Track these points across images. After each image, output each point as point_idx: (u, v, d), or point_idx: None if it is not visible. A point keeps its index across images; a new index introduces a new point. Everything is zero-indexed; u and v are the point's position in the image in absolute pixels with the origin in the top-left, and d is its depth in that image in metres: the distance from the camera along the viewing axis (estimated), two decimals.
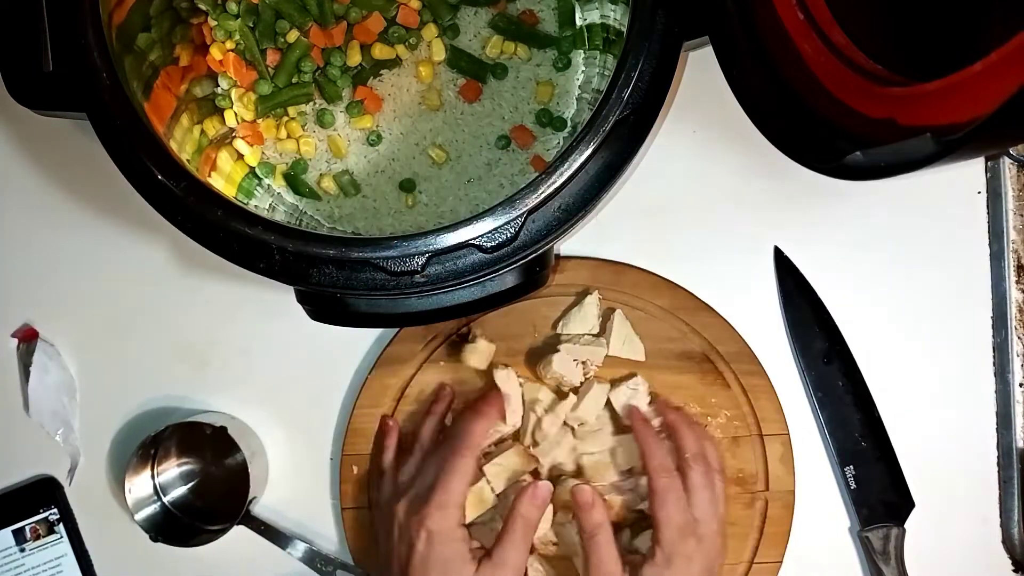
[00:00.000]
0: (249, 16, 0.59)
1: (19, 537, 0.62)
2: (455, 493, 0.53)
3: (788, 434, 0.60)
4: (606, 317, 0.61)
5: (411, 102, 0.61)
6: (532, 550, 0.56)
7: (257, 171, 0.61)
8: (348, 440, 0.61)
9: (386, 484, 0.58)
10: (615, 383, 0.59)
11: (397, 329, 0.61)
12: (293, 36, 0.59)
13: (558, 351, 0.58)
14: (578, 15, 0.60)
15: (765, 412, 0.60)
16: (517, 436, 0.59)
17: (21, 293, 0.64)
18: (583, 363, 0.60)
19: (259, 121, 0.61)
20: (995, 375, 0.62)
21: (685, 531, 0.52)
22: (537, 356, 0.61)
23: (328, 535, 0.63)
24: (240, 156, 0.60)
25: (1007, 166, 0.62)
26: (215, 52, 0.59)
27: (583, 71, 0.61)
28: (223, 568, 0.62)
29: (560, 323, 0.61)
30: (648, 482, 0.53)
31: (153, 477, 0.60)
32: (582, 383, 0.60)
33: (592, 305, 0.60)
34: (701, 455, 0.55)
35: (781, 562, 0.60)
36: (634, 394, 0.59)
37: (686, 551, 0.52)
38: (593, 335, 0.60)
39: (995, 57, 0.31)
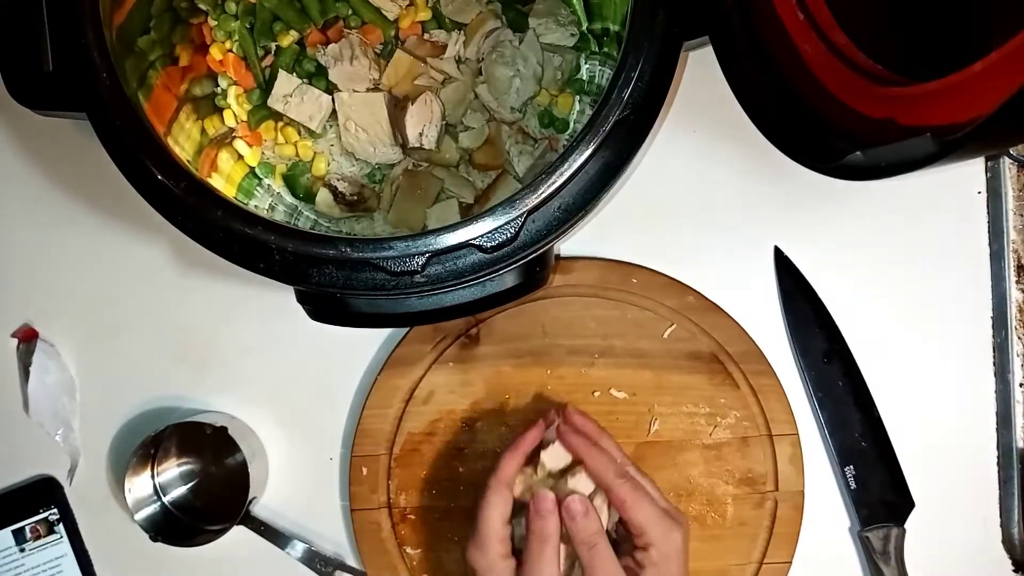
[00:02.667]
0: (247, 17, 0.59)
1: (19, 537, 0.62)
2: (489, 527, 0.51)
3: (797, 434, 0.60)
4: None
5: None
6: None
7: (257, 171, 0.61)
8: (357, 441, 0.61)
9: None
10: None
11: (405, 330, 0.61)
12: (286, 41, 0.59)
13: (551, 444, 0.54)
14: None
15: (774, 412, 0.61)
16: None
17: (21, 293, 0.64)
18: None
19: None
20: (995, 375, 0.62)
21: (666, 522, 0.50)
22: (545, 357, 0.61)
23: (328, 535, 0.63)
24: (240, 156, 0.60)
25: (1007, 166, 0.62)
26: (215, 52, 0.59)
27: (585, 69, 0.61)
28: (223, 568, 0.62)
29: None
30: (610, 495, 0.51)
31: (153, 477, 0.60)
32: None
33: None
34: (624, 460, 0.54)
35: (790, 563, 0.60)
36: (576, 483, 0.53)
37: (676, 543, 0.50)
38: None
39: (995, 57, 0.31)
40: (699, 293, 0.61)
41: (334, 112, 0.60)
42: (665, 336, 0.61)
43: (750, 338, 0.61)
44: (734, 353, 0.61)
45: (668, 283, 0.61)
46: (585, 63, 0.61)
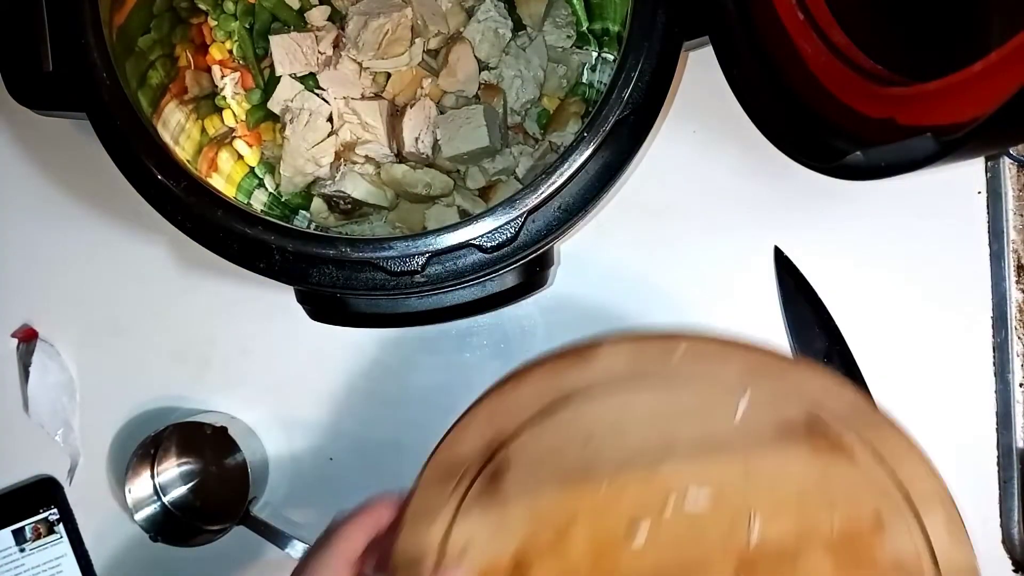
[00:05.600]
0: (246, 17, 0.59)
1: (19, 537, 0.62)
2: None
3: (947, 491, 0.47)
4: None
5: None
6: None
7: (257, 171, 0.61)
8: None
9: None
10: None
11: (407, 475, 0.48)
12: None
13: None
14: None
15: (907, 471, 0.47)
16: None
17: (21, 293, 0.64)
18: None
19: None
20: (995, 375, 0.62)
21: None
22: (594, 470, 0.46)
23: None
24: (240, 156, 0.60)
25: (1007, 166, 0.62)
26: (215, 52, 0.59)
27: (585, 69, 0.61)
28: (223, 568, 0.62)
29: None
30: None
31: (153, 477, 0.60)
32: None
33: None
34: None
35: None
36: None
37: None
38: None
39: (995, 57, 0.32)
40: (766, 348, 0.48)
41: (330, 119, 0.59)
42: (738, 410, 0.47)
43: (853, 386, 0.48)
44: (837, 410, 0.47)
45: (722, 345, 0.48)
46: (588, 71, 0.61)
